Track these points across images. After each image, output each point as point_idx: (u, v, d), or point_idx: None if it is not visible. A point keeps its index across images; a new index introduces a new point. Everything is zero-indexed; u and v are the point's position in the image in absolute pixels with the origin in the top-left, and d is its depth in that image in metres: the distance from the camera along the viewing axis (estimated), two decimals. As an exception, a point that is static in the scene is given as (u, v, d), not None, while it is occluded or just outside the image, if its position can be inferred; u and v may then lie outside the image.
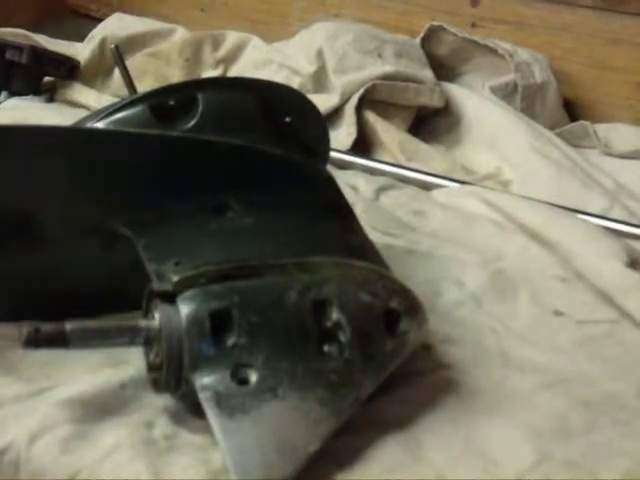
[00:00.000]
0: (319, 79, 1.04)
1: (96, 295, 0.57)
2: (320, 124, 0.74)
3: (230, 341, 0.50)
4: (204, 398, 0.49)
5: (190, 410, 0.52)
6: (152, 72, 1.12)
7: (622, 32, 1.10)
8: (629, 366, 0.61)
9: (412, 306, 0.56)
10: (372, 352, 0.53)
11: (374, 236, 0.65)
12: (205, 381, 0.49)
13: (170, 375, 0.50)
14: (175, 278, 0.51)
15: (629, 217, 0.86)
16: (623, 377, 0.60)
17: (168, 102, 0.67)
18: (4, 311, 0.57)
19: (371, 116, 1.00)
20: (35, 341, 0.49)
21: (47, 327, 0.49)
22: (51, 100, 1.11)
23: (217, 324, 0.50)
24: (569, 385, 0.58)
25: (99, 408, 0.53)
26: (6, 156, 0.54)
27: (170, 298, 0.51)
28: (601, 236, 0.78)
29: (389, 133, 0.99)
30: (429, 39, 1.11)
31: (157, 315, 0.51)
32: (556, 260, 0.74)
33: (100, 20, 1.22)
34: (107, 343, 0.51)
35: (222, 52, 1.15)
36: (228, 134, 0.64)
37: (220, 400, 0.49)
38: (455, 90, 1.07)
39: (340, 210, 0.62)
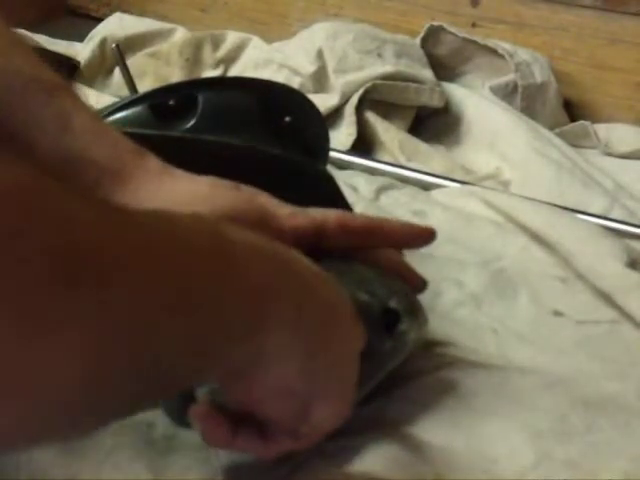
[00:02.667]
0: (319, 79, 1.04)
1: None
2: (320, 124, 0.74)
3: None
4: (201, 396, 0.49)
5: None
6: (152, 72, 1.12)
7: (622, 32, 1.10)
8: (629, 366, 0.61)
9: (412, 306, 0.56)
10: (370, 351, 0.53)
11: (374, 236, 0.64)
12: None
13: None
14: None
15: (629, 217, 0.86)
16: (623, 377, 0.60)
17: (168, 102, 0.67)
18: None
19: (371, 116, 1.00)
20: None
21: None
22: (51, 100, 1.11)
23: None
24: (569, 385, 0.58)
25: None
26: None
27: None
28: (601, 236, 0.78)
29: (389, 133, 0.99)
30: (429, 39, 1.11)
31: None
32: (556, 260, 0.74)
33: (100, 20, 1.22)
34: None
35: (222, 52, 1.15)
36: (228, 134, 0.64)
37: (218, 398, 0.49)
38: (455, 90, 1.07)
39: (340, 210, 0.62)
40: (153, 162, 0.53)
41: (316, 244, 0.53)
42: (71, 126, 0.51)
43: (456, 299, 0.68)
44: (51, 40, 1.20)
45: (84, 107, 0.53)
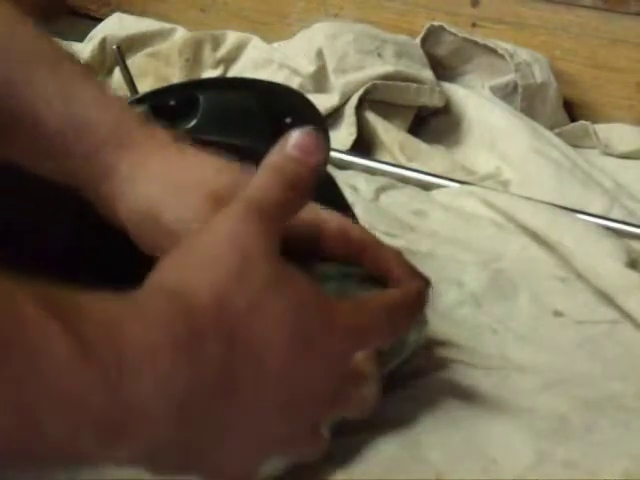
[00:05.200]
0: (319, 79, 1.04)
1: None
2: (320, 124, 0.74)
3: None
4: None
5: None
6: (152, 72, 1.12)
7: (622, 32, 1.10)
8: (629, 366, 0.61)
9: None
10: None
11: (374, 236, 0.64)
12: None
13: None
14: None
15: (629, 217, 0.86)
16: (623, 377, 0.60)
17: (169, 102, 0.67)
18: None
19: (371, 116, 1.00)
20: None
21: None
22: (51, 100, 1.11)
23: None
24: (569, 385, 0.58)
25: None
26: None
27: None
28: (601, 236, 0.78)
29: (389, 133, 0.99)
30: (429, 39, 1.11)
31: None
32: (556, 260, 0.74)
33: (100, 20, 1.22)
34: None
35: (222, 52, 1.15)
36: (228, 134, 0.64)
37: None
38: (455, 90, 1.07)
39: (340, 210, 0.62)
40: (161, 133, 0.52)
41: (313, 243, 0.53)
42: (76, 92, 0.51)
43: (456, 299, 0.68)
44: (51, 40, 1.20)
45: (89, 75, 0.53)
